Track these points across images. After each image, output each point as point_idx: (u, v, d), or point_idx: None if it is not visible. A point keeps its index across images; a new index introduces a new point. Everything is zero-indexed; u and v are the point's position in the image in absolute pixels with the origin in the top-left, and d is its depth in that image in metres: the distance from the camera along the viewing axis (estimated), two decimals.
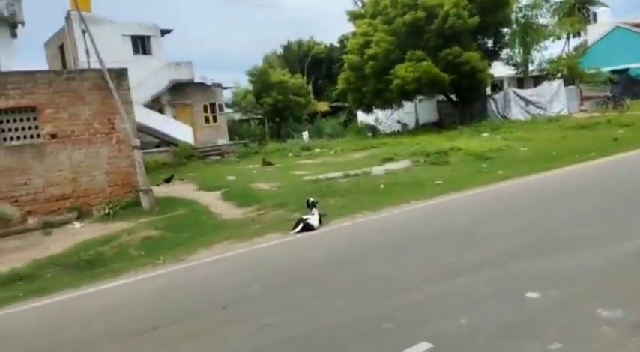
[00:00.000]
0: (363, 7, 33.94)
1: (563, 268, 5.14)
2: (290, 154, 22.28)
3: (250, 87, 35.27)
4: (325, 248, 7.22)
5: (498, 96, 29.65)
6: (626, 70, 34.80)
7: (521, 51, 30.70)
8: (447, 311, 4.36)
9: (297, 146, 24.06)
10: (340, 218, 8.86)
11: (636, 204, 7.60)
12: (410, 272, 5.60)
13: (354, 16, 30.51)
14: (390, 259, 6.23)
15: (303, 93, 36.04)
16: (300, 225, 8.08)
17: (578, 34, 42.90)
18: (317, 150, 22.54)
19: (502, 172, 12.01)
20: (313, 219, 8.23)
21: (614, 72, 33.43)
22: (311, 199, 8.73)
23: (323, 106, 41.14)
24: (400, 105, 29.24)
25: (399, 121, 32.54)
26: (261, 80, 34.26)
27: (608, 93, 30.38)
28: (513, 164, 13.17)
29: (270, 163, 18.72)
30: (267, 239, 7.97)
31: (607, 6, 47.09)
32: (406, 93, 25.97)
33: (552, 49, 32.45)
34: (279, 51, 46.53)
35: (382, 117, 32.40)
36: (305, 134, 28.18)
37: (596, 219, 6.91)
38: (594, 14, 46.29)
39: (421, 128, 30.03)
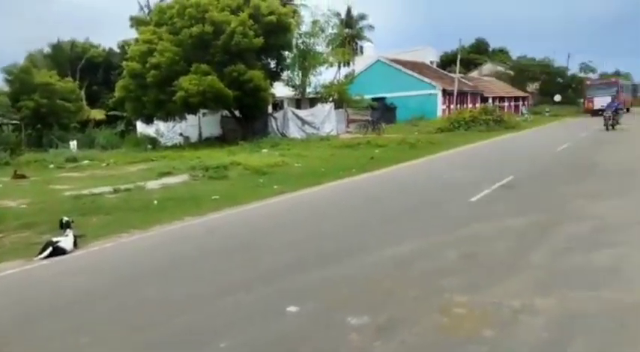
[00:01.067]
0: (149, 13, 32.34)
1: (325, 280, 5.38)
2: (52, 166, 19.53)
3: (6, 87, 30.17)
4: (80, 274, 6.31)
5: (278, 114, 31.19)
6: (384, 98, 40.40)
7: (300, 74, 32.96)
8: (216, 331, 4.15)
9: (61, 157, 21.24)
10: (102, 238, 7.91)
11: (389, 215, 8.56)
12: (179, 293, 5.22)
13: (138, 23, 28.81)
14: (156, 281, 5.74)
15: (74, 98, 32.43)
16: (49, 249, 6.92)
17: (348, 64, 48.35)
18: (86, 162, 20.26)
19: (277, 187, 12.42)
20: (66, 241, 7.14)
21: (374, 99, 38.46)
22: (65, 218, 7.58)
23: (97, 114, 37.63)
24: (183, 118, 28.47)
25: (181, 134, 31.59)
26: (20, 80, 29.60)
27: (369, 118, 34.72)
28: (288, 179, 13.79)
29: (23, 176, 16.05)
30: (2, 268, 6.61)
31: (371, 41, 54.23)
32: (190, 106, 25.36)
33: (326, 75, 35.71)
34: (47, 50, 41.13)
35: (164, 130, 31.09)
36: (73, 144, 25.11)
37: (360, 230, 7.56)
38: (361, 47, 52.79)
39: (204, 142, 29.71)
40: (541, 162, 15.02)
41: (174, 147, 28.22)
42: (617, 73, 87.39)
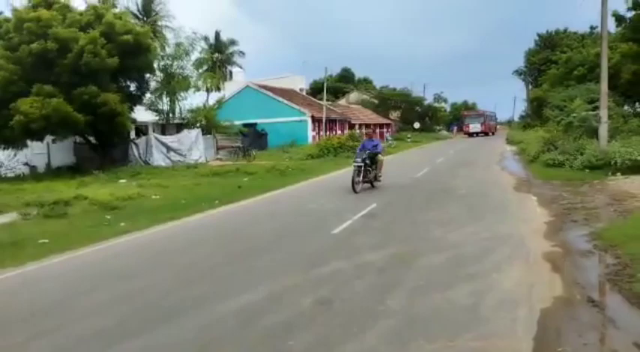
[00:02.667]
0: None
1: (151, 347, 4.32)
2: None
3: None
4: None
5: (140, 141, 28.98)
6: (255, 124, 39.88)
7: (165, 98, 31.11)
8: None
9: None
10: None
11: (244, 253, 7.70)
12: None
13: None
14: None
15: None
16: None
17: (219, 89, 47.24)
18: None
19: (124, 224, 10.94)
20: None
21: (245, 125, 37.73)
22: None
23: None
24: (24, 145, 24.95)
25: (26, 163, 27.75)
26: None
27: (240, 144, 33.87)
28: (139, 214, 12.31)
29: None
30: None
31: (241, 67, 53.78)
32: (31, 132, 22.26)
33: (194, 100, 34.24)
34: None
35: (3, 159, 27.03)
36: None
37: (206, 276, 6.57)
38: (231, 72, 52.01)
39: (54, 172, 26.28)
40: (403, 188, 15.32)
41: (16, 178, 24.55)
42: (465, 103, 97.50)
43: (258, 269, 6.75)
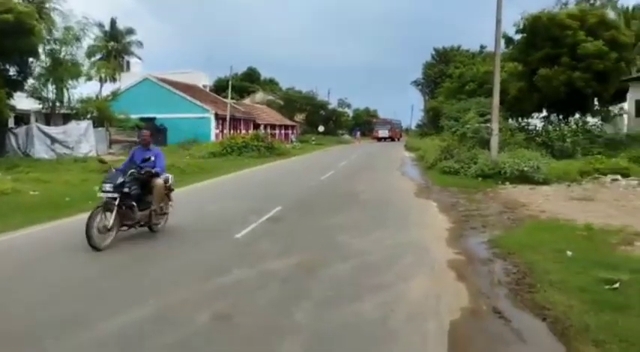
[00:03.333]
0: None
1: None
2: None
3: None
4: None
5: (20, 130, 26.11)
6: (153, 118, 37.68)
7: (50, 85, 28.21)
8: None
9: None
10: None
11: (132, 264, 6.89)
12: None
13: None
14: None
15: None
16: None
17: (114, 80, 44.07)
18: None
19: None
20: None
21: (142, 119, 35.47)
22: None
23: None
24: None
25: None
26: None
27: (136, 139, 31.74)
28: (13, 213, 10.78)
29: None
30: None
31: (140, 58, 50.73)
32: None
33: (86, 89, 31.54)
34: None
35: None
36: None
37: (83, 289, 5.69)
38: (128, 63, 48.84)
39: None
40: (308, 191, 15.09)
41: None
42: (367, 109, 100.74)
43: (148, 280, 6.01)
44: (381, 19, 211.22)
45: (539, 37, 25.53)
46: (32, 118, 30.96)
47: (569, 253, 6.81)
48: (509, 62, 29.32)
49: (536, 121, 28.34)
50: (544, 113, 28.39)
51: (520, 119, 28.84)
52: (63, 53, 28.19)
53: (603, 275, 5.72)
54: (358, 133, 76.97)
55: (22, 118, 30.78)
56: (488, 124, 21.57)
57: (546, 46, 25.04)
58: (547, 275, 5.93)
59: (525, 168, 15.82)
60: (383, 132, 70.00)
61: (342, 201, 12.80)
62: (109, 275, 6.26)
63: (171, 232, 8.85)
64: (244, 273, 6.22)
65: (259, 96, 67.86)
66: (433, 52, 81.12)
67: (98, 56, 48.20)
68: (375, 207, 11.85)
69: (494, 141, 17.88)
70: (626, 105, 28.69)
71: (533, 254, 6.92)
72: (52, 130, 27.01)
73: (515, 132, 24.44)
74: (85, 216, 10.86)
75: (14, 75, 25.58)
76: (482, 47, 68.29)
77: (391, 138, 68.79)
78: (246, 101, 62.19)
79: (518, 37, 27.66)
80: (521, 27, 25.46)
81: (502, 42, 22.58)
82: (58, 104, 29.04)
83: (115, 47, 53.71)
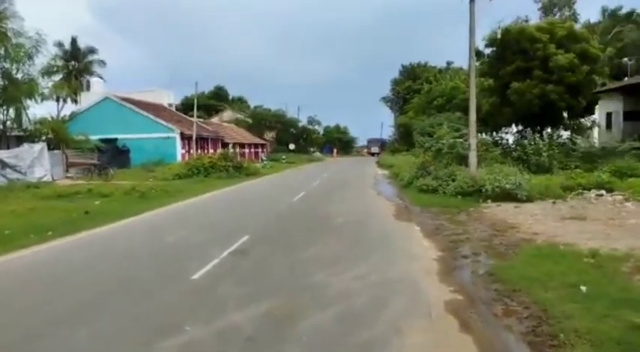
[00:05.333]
0: None
1: None
2: None
3: None
4: None
5: None
6: (115, 139, 35.94)
7: (1, 107, 26.38)
8: None
9: None
10: None
11: (49, 322, 5.56)
12: None
13: None
14: None
15: None
16: None
17: (75, 101, 42.14)
18: None
19: None
20: None
21: (103, 140, 33.73)
22: None
23: None
24: None
25: None
26: None
27: (95, 161, 30.02)
28: None
29: None
30: None
31: (102, 77, 48.86)
32: None
33: (42, 110, 29.76)
34: None
35: None
36: None
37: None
38: (88, 82, 46.94)
39: None
40: (278, 216, 13.88)
41: None
42: (337, 127, 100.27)
43: (68, 349, 4.71)
44: (349, 36, 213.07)
45: (510, 51, 25.27)
46: None
47: (583, 288, 5.85)
48: (480, 77, 29.04)
49: (509, 136, 28.01)
50: (517, 127, 28.09)
51: (493, 134, 28.48)
52: (14, 71, 26.51)
53: (635, 320, 4.75)
54: (335, 150, 76.45)
55: None
56: (462, 140, 20.93)
57: (517, 60, 24.77)
58: (568, 320, 4.92)
59: (507, 186, 15.04)
60: (374, 149, 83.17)
61: (316, 227, 11.65)
62: (26, 337, 4.93)
63: (114, 274, 7.51)
64: (198, 332, 4.97)
65: (227, 114, 66.54)
66: (401, 68, 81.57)
67: (59, 76, 46.26)
68: (353, 233, 10.74)
69: (473, 157, 17.14)
70: (596, 118, 28.70)
71: (542, 290, 5.92)
72: (3, 154, 25.12)
73: (491, 147, 23.91)
74: (20, 253, 9.50)
75: None
76: (448, 63, 69.06)
77: (378, 154, 75.45)
78: (214, 120, 60.77)
79: (488, 51, 27.46)
80: (498, 37, 25.12)
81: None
82: (10, 125, 27.21)
83: (75, 67, 51.78)
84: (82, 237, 11.11)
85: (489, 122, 27.52)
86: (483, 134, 27.88)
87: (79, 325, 5.27)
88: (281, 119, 69.29)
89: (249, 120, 65.21)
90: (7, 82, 26.18)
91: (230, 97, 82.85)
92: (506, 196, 14.89)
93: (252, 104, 78.83)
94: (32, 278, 7.59)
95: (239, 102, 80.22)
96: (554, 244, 8.50)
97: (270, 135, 68.10)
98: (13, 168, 24.83)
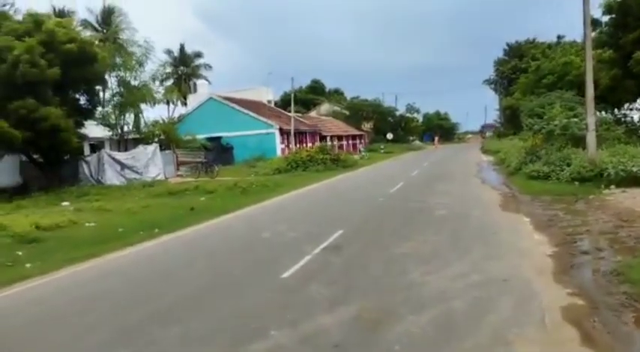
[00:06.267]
0: None
1: None
2: None
3: None
4: None
5: (91, 158, 26.58)
6: (220, 137, 37.69)
7: (117, 112, 28.74)
8: None
9: None
10: None
11: (148, 318, 5.67)
12: None
13: None
14: None
15: None
16: None
17: (185, 103, 44.96)
18: None
19: (30, 265, 8.77)
20: None
21: (209, 139, 35.52)
22: None
23: None
24: None
25: None
26: None
27: (203, 159, 31.67)
28: (60, 249, 10.14)
29: None
30: None
31: (208, 80, 51.62)
32: None
33: (156, 113, 32.04)
34: None
35: None
36: None
37: None
38: (195, 84, 49.80)
39: None
40: (375, 208, 13.45)
41: None
42: (437, 113, 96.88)
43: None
44: (445, 18, 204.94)
45: (632, 16, 22.31)
46: (107, 145, 31.82)
47: None
48: (597, 49, 26.08)
49: (634, 112, 24.92)
50: None
51: (615, 111, 25.51)
52: (128, 78, 28.73)
53: None
54: (437, 138, 73.90)
55: (98, 146, 31.72)
56: (577, 119, 18.87)
57: None
58: None
59: (634, 169, 13.23)
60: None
61: (413, 220, 11.05)
62: (117, 337, 5.05)
63: (208, 273, 7.61)
64: (284, 337, 4.74)
65: (325, 107, 67.01)
66: (506, 47, 76.46)
67: (170, 81, 49.66)
68: (454, 226, 10.00)
69: (591, 138, 15.32)
70: None
71: None
72: (121, 156, 27.34)
73: (612, 125, 21.39)
74: (130, 250, 10.08)
75: (84, 104, 26.12)
76: (559, 37, 63.28)
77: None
78: (312, 113, 61.54)
79: (605, 19, 24.56)
80: (605, 9, 22.37)
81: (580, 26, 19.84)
82: (126, 129, 29.57)
83: (184, 71, 55.32)
84: (186, 234, 11.57)
85: (610, 98, 24.63)
86: (603, 112, 25.05)
87: (166, 325, 5.30)
88: (378, 109, 68.31)
89: (346, 112, 65.11)
90: (122, 89, 28.45)
91: (327, 90, 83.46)
92: (634, 181, 13.13)
93: (348, 96, 78.71)
94: (127, 279, 7.78)
95: (336, 95, 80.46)
96: None
97: (367, 125, 67.52)
98: (131, 168, 26.95)
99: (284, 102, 60.20)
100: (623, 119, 23.55)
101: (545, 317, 4.81)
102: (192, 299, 6.22)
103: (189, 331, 5.08)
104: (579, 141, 17.21)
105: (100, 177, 26.09)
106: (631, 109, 25.00)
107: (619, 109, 25.20)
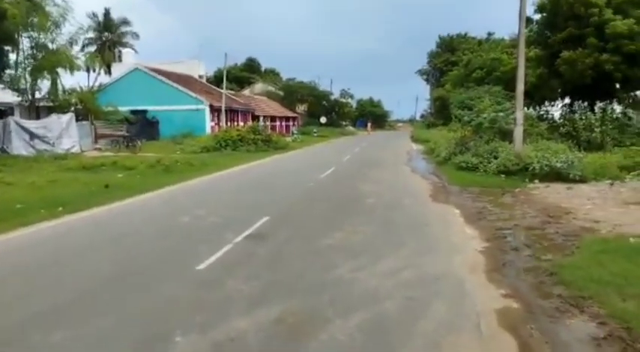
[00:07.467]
0: None
1: None
2: None
3: None
4: None
5: None
6: (145, 111, 35.51)
7: (29, 76, 26.04)
8: None
9: None
10: None
11: (27, 327, 4.75)
12: None
13: None
14: None
15: None
16: None
17: (108, 72, 41.86)
18: None
19: None
20: None
21: (133, 112, 33.35)
22: None
23: None
24: None
25: None
26: None
27: (124, 133, 29.65)
28: None
29: None
30: None
31: (135, 49, 48.41)
32: None
33: (74, 81, 29.30)
34: None
35: None
36: None
37: None
38: (120, 53, 46.62)
39: None
40: (304, 194, 12.91)
41: None
42: (370, 100, 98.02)
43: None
44: (383, 7, 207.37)
45: (561, 16, 23.15)
46: (17, 112, 28.88)
47: None
48: (526, 47, 26.94)
49: (555, 110, 26.05)
50: (564, 101, 26.06)
51: (537, 108, 26.55)
52: (44, 40, 26.07)
53: None
54: (369, 124, 74.50)
55: (5, 112, 28.71)
56: (504, 114, 19.29)
57: (569, 26, 22.66)
58: None
59: (557, 164, 13.59)
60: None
61: (343, 209, 10.61)
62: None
63: (110, 263, 6.69)
64: (189, 346, 4.04)
65: (259, 86, 65.48)
66: (438, 40, 78.37)
67: (93, 48, 46.01)
68: (385, 216, 9.65)
69: (519, 132, 15.64)
70: None
71: (618, 299, 4.77)
72: (31, 124, 24.93)
73: (535, 122, 22.16)
74: (22, 232, 8.83)
75: None
76: (489, 34, 65.64)
77: None
78: (246, 92, 59.87)
79: (536, 17, 25.36)
80: (537, 7, 23.06)
81: (514, 24, 20.26)
82: (37, 95, 26.93)
83: (108, 38, 51.55)
84: (95, 214, 10.41)
85: (535, 95, 25.58)
86: (527, 108, 25.99)
87: (48, 331, 4.42)
88: (313, 92, 67.74)
89: (281, 93, 63.99)
90: (36, 52, 25.82)
91: (263, 69, 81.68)
92: (556, 176, 13.48)
93: (284, 77, 77.42)
94: (19, 263, 6.72)
95: (271, 75, 78.91)
96: (621, 235, 7.23)
97: (301, 108, 66.85)
98: (41, 138, 24.66)
99: (217, 79, 58.00)
100: (545, 116, 24.48)
101: (481, 322, 4.45)
102: (87, 296, 5.31)
103: (76, 337, 4.22)
104: (506, 135, 17.58)
105: (5, 146, 23.71)
106: (552, 106, 26.09)
107: (541, 107, 26.22)
